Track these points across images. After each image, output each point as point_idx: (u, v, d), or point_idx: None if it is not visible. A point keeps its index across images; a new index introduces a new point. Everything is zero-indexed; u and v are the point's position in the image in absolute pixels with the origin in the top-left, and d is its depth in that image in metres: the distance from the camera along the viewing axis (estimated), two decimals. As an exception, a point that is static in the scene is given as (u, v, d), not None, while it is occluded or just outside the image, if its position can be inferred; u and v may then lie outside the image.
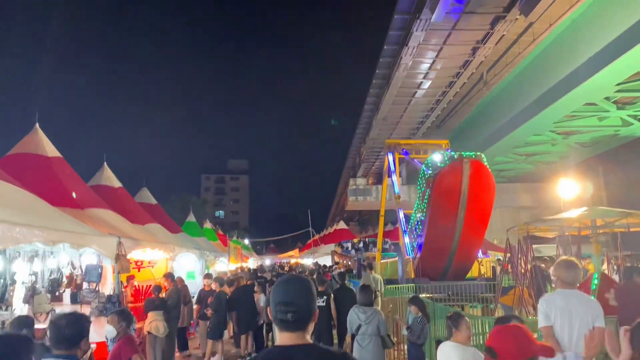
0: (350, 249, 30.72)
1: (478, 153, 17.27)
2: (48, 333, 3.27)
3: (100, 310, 9.32)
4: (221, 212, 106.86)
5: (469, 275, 18.52)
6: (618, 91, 20.54)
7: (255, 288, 12.16)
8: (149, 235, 12.93)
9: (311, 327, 2.26)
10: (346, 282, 11.90)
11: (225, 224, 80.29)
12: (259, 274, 17.50)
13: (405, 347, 8.62)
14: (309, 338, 2.24)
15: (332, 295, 10.05)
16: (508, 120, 26.58)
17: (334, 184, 71.14)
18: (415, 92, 26.99)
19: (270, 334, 12.37)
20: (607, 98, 22.03)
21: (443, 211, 15.92)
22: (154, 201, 18.94)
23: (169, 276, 11.66)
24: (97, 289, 9.65)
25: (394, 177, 20.36)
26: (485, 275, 17.89)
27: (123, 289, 9.97)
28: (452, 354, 4.74)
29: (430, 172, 16.60)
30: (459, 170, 15.31)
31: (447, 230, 16.13)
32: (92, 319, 9.27)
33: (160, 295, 10.70)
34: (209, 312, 11.14)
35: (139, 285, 11.93)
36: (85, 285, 9.58)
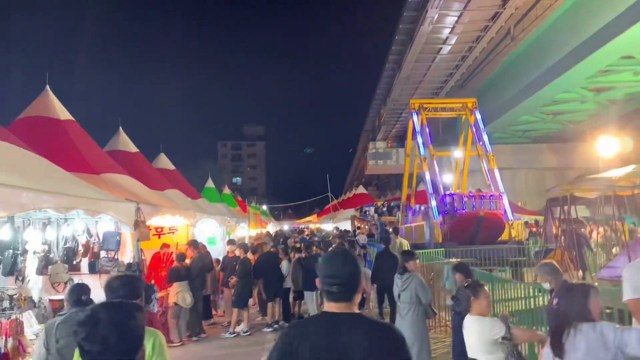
0: (373, 212, 30.14)
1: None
2: (105, 293, 3.35)
3: (120, 280, 8.84)
4: (238, 178, 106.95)
5: (500, 238, 17.85)
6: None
7: (280, 254, 11.68)
8: (168, 201, 12.49)
9: (357, 298, 2.37)
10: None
11: (243, 190, 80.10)
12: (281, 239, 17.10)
13: (449, 317, 8.13)
14: (355, 309, 2.34)
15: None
16: (536, 77, 25.38)
17: (353, 148, 70.31)
18: (440, 48, 25.73)
19: (297, 302, 11.93)
20: (645, 51, 20.76)
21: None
22: (172, 167, 18.44)
23: (193, 243, 11.18)
24: (115, 257, 9.18)
25: (419, 139, 19.52)
26: (516, 239, 17.19)
27: (143, 257, 9.50)
28: (472, 330, 4.49)
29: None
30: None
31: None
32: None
33: (184, 263, 10.25)
34: (233, 280, 10.67)
35: (162, 254, 11.44)
36: (103, 253, 9.10)
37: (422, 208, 24.58)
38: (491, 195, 17.48)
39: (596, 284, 10.77)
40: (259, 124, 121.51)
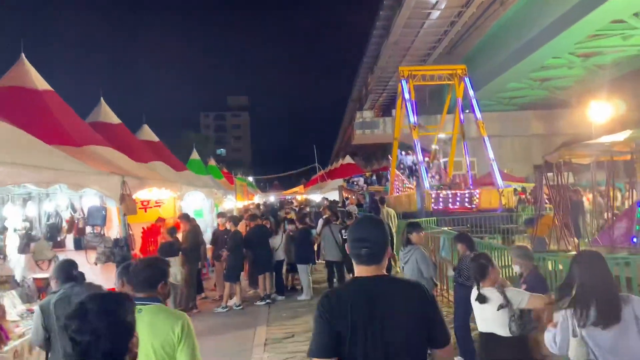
0: (362, 183, 29.93)
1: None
2: (125, 278, 3.50)
3: (107, 256, 8.54)
4: (223, 150, 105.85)
5: (490, 206, 17.81)
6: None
7: (271, 227, 11.41)
8: (154, 173, 12.10)
9: (385, 261, 2.42)
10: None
11: (228, 161, 79.36)
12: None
13: (450, 291, 7.95)
14: (384, 271, 2.41)
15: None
16: (525, 43, 25.07)
17: (339, 118, 69.71)
18: (429, 13, 25.16)
19: (290, 274, 11.73)
20: (636, 14, 20.48)
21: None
22: (156, 138, 17.90)
23: (184, 217, 10.82)
24: (102, 232, 8.82)
25: (409, 107, 19.17)
26: (507, 206, 17.13)
27: (131, 232, 9.15)
28: (488, 302, 4.26)
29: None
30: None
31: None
32: (99, 265, 8.54)
33: (175, 237, 9.95)
34: (224, 254, 10.40)
35: (147, 227, 11.11)
36: (88, 229, 8.73)
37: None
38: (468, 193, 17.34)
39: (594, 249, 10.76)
40: (243, 94, 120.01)
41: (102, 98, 14.08)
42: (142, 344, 2.49)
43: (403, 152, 23.66)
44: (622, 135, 9.52)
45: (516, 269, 5.12)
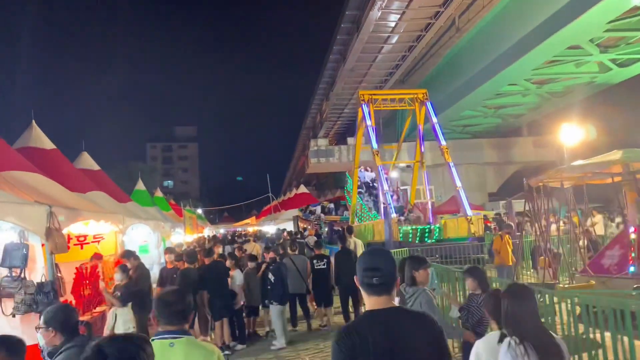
0: (319, 212, 28.77)
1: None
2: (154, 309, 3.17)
3: (28, 305, 6.89)
4: (170, 181, 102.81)
5: (458, 235, 17.02)
6: (607, 30, 19.08)
7: (228, 263, 9.91)
8: (91, 204, 10.52)
9: (394, 292, 2.44)
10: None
11: (175, 194, 76.72)
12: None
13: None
14: (395, 302, 2.45)
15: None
16: (482, 69, 24.91)
17: (290, 147, 68.73)
18: (388, 37, 24.62)
19: (252, 318, 10.21)
20: (591, 40, 20.58)
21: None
22: (96, 167, 16.37)
23: (128, 254, 9.12)
24: (22, 276, 7.15)
25: (371, 132, 18.28)
26: (476, 234, 16.31)
27: (59, 274, 7.51)
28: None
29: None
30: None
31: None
32: (17, 317, 6.89)
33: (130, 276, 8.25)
34: None
35: (82, 267, 9.42)
36: (4, 271, 7.05)
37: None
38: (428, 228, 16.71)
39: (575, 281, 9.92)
40: (191, 124, 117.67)
41: (33, 121, 12.48)
42: None
43: (361, 168, 22.67)
44: (614, 155, 8.77)
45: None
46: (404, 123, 37.22)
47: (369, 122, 18.43)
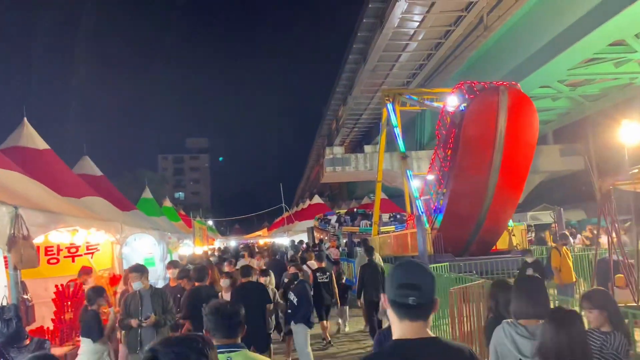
0: (334, 222, 27.01)
1: (513, 83, 14.08)
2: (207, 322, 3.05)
3: (-16, 335, 5.29)
4: (181, 193, 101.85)
5: (499, 247, 15.25)
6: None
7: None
8: (83, 210, 9.03)
9: (431, 318, 1.98)
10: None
11: (186, 205, 75.55)
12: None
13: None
14: (430, 331, 1.96)
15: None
16: (511, 70, 23.22)
17: (303, 158, 67.23)
18: (414, 32, 22.97)
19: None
20: (637, 35, 18.85)
21: (473, 157, 12.56)
22: (98, 172, 15.18)
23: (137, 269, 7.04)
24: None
25: (397, 131, 16.62)
26: (519, 247, 14.53)
27: (26, 295, 5.91)
28: None
29: (453, 110, 13.12)
30: (494, 104, 12.06)
31: (478, 184, 12.77)
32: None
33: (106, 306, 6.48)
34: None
35: (67, 285, 7.82)
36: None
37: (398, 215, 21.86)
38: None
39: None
40: (203, 136, 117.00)
41: (25, 118, 11.16)
42: None
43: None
44: None
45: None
46: (424, 127, 35.90)
47: (394, 122, 16.78)
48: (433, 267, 11.40)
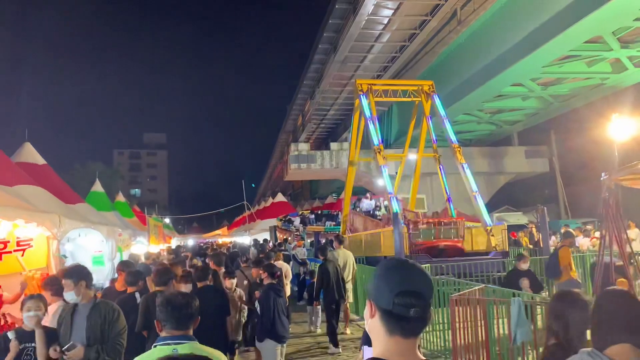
0: (297, 223, 25.93)
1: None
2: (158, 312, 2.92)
3: None
4: (137, 190, 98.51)
5: (473, 249, 14.44)
6: (638, 19, 16.88)
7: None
8: (11, 198, 7.67)
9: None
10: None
11: (142, 202, 72.92)
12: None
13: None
14: (419, 352, 1.62)
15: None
16: (485, 66, 22.57)
17: (266, 156, 65.76)
18: (389, 21, 21.86)
19: None
20: (614, 33, 18.47)
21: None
22: (41, 160, 13.64)
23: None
24: None
25: (371, 127, 15.60)
26: (498, 249, 13.73)
27: None
28: None
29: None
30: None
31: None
32: None
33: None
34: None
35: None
36: None
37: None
38: (453, 222, 14.18)
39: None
40: (161, 131, 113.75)
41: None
42: None
43: (363, 197, 20.13)
44: None
45: None
46: (391, 125, 35.13)
47: (368, 114, 15.75)
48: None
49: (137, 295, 5.48)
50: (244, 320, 7.68)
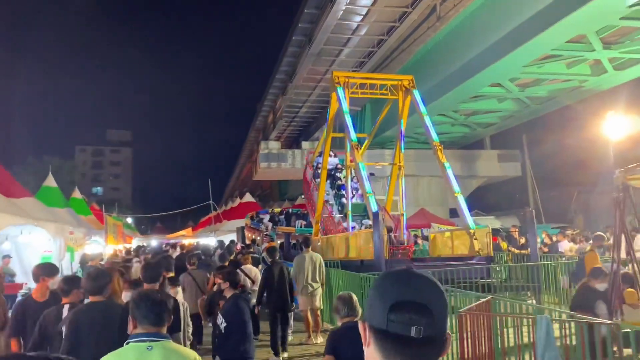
0: (267, 221, 24.72)
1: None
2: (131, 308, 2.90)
3: None
4: (99, 188, 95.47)
5: (453, 254, 13.63)
6: (624, 18, 16.37)
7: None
8: None
9: None
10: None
11: (105, 201, 70.39)
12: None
13: None
14: None
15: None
16: (465, 64, 21.92)
17: (234, 155, 64.12)
18: (368, 11, 20.82)
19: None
20: (598, 32, 17.99)
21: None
22: None
23: None
24: None
25: (348, 120, 14.61)
26: (481, 253, 12.87)
27: None
28: None
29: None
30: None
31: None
32: None
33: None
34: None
35: None
36: None
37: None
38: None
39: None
40: (126, 128, 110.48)
41: None
42: None
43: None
44: None
45: None
46: (364, 126, 34.33)
47: (345, 108, 14.74)
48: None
49: (66, 308, 4.27)
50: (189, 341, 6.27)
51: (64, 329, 3.86)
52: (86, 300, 4.31)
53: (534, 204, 35.05)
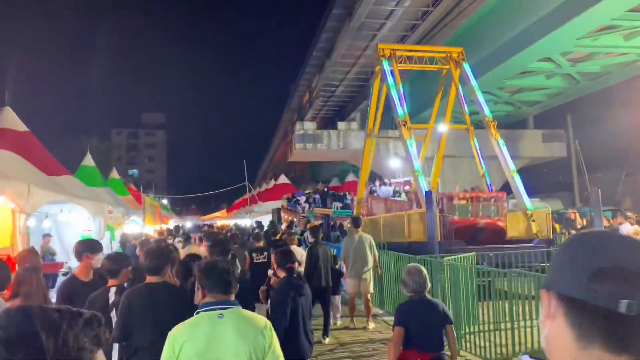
0: (302, 202, 24.26)
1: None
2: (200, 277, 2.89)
3: None
4: (135, 170, 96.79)
5: (512, 236, 12.78)
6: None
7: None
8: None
9: None
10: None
11: (140, 183, 71.33)
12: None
13: None
14: None
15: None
16: (514, 36, 20.75)
17: (268, 136, 63.80)
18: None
19: None
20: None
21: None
22: (22, 127, 12.24)
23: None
24: None
25: (395, 95, 13.84)
26: (540, 236, 12.05)
27: None
28: None
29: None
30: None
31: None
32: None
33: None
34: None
35: None
36: None
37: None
38: (493, 198, 12.49)
39: None
40: (160, 111, 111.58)
41: None
42: (233, 350, 2.55)
43: (377, 182, 18.31)
44: None
45: None
46: (405, 102, 33.22)
47: (391, 82, 13.97)
48: (453, 258, 8.74)
49: (113, 292, 3.77)
50: None
51: (112, 314, 3.35)
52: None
53: (580, 186, 33.61)
